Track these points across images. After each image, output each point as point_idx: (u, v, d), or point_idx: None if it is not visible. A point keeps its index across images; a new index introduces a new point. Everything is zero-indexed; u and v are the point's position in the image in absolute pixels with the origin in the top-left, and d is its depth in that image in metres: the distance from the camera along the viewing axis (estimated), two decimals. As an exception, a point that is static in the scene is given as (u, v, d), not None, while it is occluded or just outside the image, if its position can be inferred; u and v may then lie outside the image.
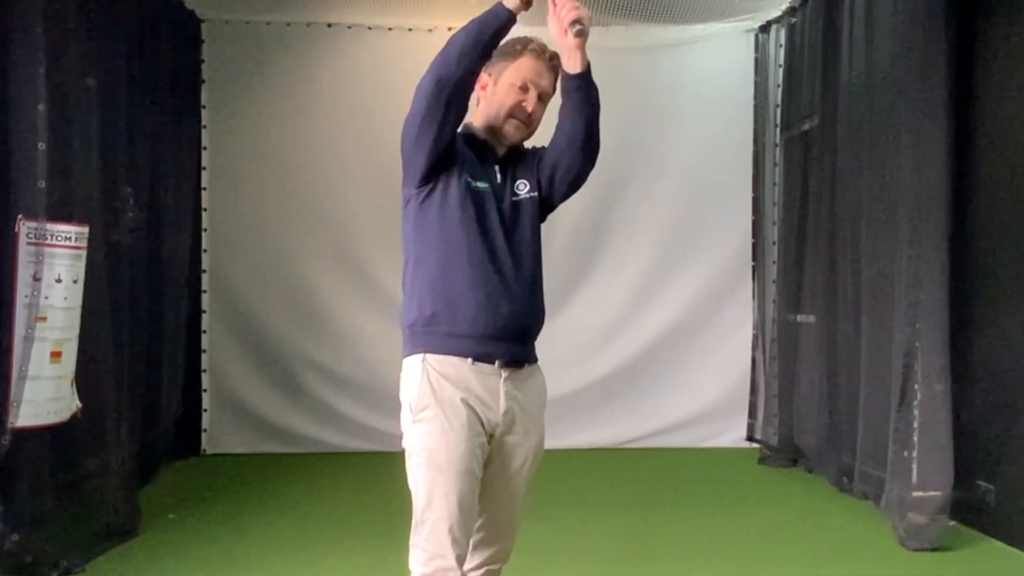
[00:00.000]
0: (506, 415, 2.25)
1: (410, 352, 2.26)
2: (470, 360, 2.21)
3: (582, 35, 2.17)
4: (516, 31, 2.26)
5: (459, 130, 2.33)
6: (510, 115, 2.31)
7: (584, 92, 2.25)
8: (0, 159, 3.64)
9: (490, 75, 2.34)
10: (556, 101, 2.33)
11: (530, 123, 2.34)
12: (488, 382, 2.23)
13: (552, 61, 2.32)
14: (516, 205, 2.33)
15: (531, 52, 2.32)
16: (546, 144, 2.39)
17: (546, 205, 2.39)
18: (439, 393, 2.20)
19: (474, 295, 2.21)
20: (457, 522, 2.17)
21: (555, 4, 2.20)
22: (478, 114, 2.37)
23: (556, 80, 2.34)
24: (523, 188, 2.36)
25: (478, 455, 2.22)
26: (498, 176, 2.32)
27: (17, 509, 3.55)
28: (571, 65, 2.22)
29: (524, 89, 2.30)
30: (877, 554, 4.06)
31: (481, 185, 2.28)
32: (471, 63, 2.18)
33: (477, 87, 2.34)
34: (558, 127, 2.32)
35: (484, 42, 2.17)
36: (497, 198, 2.28)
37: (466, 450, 2.18)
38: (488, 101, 2.35)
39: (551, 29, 2.24)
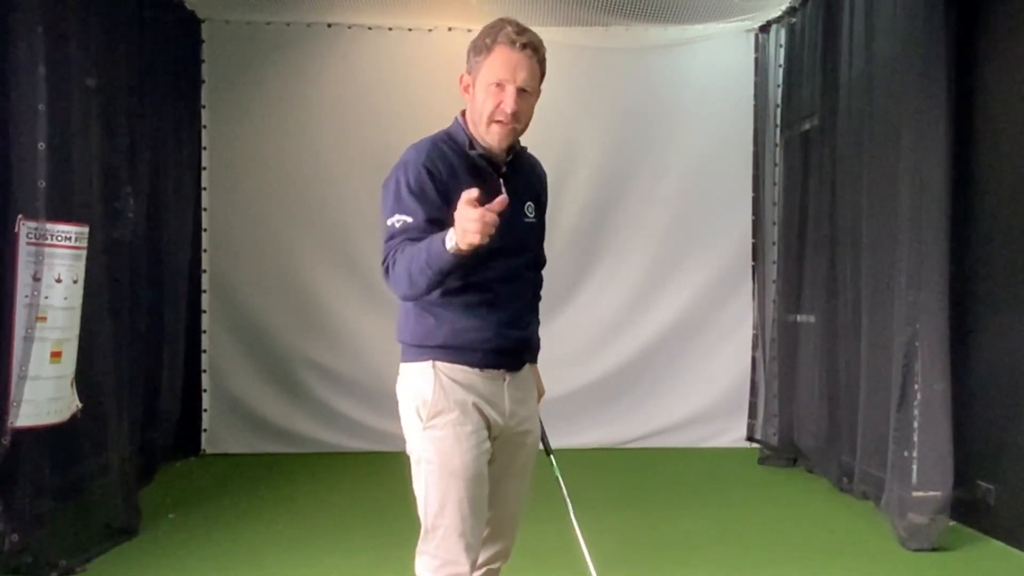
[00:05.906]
0: (512, 416, 2.27)
1: (415, 359, 2.23)
2: (479, 368, 2.20)
3: None
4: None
5: (451, 139, 2.20)
6: (491, 120, 2.12)
7: None
8: (0, 159, 3.64)
9: (470, 74, 2.18)
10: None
11: (516, 122, 2.13)
12: (494, 385, 2.24)
13: (527, 49, 2.10)
14: (526, 227, 2.27)
15: (502, 44, 2.10)
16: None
17: None
18: (451, 397, 2.18)
19: (483, 323, 2.18)
20: (470, 527, 2.16)
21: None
22: (468, 117, 2.22)
23: (539, 69, 2.14)
24: (531, 211, 2.29)
25: (485, 459, 2.22)
26: (503, 190, 2.10)
27: (17, 509, 3.55)
28: None
29: (501, 87, 2.10)
30: (877, 554, 4.05)
31: None
32: (437, 286, 2.06)
33: (460, 88, 2.21)
34: None
35: (443, 274, 2.00)
36: (508, 213, 1.97)
37: (477, 455, 2.18)
38: (471, 105, 2.18)
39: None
